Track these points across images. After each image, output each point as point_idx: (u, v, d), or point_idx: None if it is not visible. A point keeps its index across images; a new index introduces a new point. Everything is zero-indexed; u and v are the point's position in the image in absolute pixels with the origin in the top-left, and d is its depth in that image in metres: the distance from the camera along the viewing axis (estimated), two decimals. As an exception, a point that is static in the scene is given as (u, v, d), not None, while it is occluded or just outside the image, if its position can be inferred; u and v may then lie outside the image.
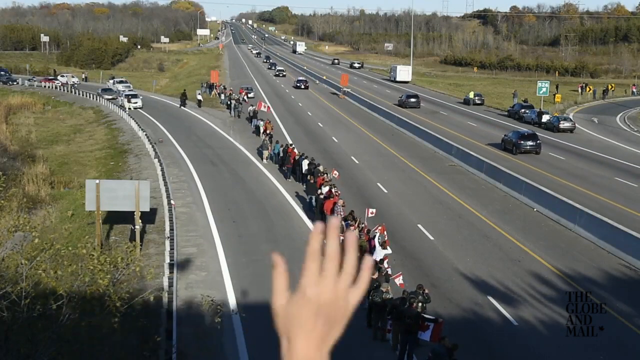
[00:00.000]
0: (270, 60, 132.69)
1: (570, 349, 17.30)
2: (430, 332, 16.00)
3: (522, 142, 43.35)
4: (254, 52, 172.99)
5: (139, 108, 63.60)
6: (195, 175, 36.47)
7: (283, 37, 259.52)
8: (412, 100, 68.41)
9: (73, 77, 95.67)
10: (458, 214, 30.25)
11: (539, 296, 20.99)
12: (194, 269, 22.64)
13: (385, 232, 22.13)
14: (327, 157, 41.04)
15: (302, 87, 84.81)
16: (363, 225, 23.07)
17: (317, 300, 1.42)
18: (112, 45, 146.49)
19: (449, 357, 14.48)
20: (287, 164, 36.01)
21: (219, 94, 71.63)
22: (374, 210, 24.75)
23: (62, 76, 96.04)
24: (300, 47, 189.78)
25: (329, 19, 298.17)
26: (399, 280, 19.19)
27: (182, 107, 64.35)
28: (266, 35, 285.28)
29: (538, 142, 43.73)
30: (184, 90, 70.67)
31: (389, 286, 18.11)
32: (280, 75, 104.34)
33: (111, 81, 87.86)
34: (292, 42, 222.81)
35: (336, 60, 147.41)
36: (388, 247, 21.20)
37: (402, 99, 69.67)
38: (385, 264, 20.34)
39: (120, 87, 73.52)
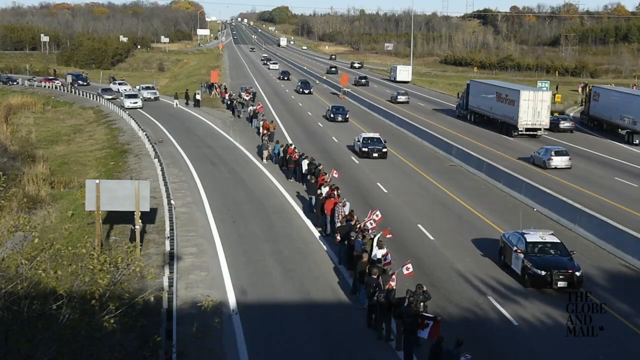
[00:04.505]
0: (311, 89, 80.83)
1: (570, 349, 17.29)
2: (428, 330, 15.99)
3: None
4: (271, 65, 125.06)
5: (139, 108, 63.62)
6: (195, 175, 36.47)
7: (283, 37, 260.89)
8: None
9: (121, 83, 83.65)
10: (458, 214, 30.24)
11: (539, 296, 20.98)
12: (194, 269, 22.64)
13: (388, 235, 22.11)
14: (327, 157, 41.04)
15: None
16: (360, 226, 23.02)
17: None
18: (112, 45, 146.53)
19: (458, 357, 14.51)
20: (289, 165, 35.99)
21: (219, 94, 71.74)
22: (378, 214, 24.59)
23: (114, 83, 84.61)
24: (283, 41, 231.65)
25: (329, 19, 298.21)
26: (407, 270, 19.07)
27: (195, 106, 65.10)
28: (259, 30, 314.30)
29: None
30: (186, 90, 70.94)
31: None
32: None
33: (117, 85, 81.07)
34: (292, 42, 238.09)
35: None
36: (385, 248, 21.14)
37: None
38: (385, 262, 20.32)
39: (145, 93, 71.96)
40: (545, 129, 51.97)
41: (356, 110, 67.07)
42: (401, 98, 74.00)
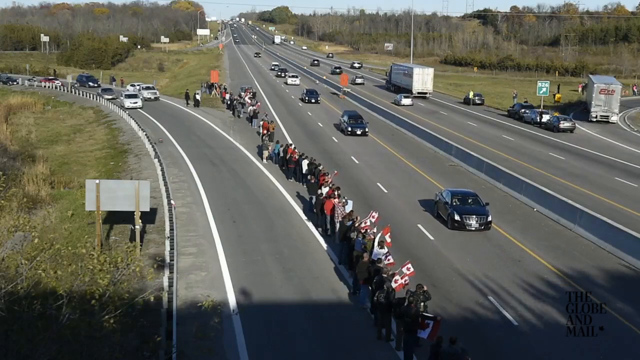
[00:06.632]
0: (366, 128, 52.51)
1: (570, 349, 17.29)
2: (429, 331, 15.99)
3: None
4: (289, 79, 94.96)
5: (139, 108, 63.63)
6: (195, 175, 36.46)
7: (283, 37, 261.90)
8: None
9: (138, 85, 78.29)
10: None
11: (539, 296, 20.99)
12: (194, 269, 22.63)
13: (389, 233, 22.06)
14: (327, 157, 41.04)
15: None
16: (364, 225, 23.02)
17: None
18: (112, 45, 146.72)
19: (463, 356, 14.50)
20: (289, 165, 35.99)
21: (219, 94, 71.76)
22: (376, 215, 24.56)
23: (132, 85, 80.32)
24: (277, 38, 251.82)
25: (329, 19, 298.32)
26: (408, 270, 18.98)
27: (195, 106, 65.00)
28: (257, 29, 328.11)
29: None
30: (186, 90, 71.01)
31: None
32: None
33: (137, 86, 77.14)
34: (292, 42, 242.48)
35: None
36: (385, 247, 21.11)
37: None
38: (386, 261, 20.29)
39: (145, 93, 71.48)
40: (429, 93, 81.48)
41: (356, 109, 67.09)
42: (358, 80, 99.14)
